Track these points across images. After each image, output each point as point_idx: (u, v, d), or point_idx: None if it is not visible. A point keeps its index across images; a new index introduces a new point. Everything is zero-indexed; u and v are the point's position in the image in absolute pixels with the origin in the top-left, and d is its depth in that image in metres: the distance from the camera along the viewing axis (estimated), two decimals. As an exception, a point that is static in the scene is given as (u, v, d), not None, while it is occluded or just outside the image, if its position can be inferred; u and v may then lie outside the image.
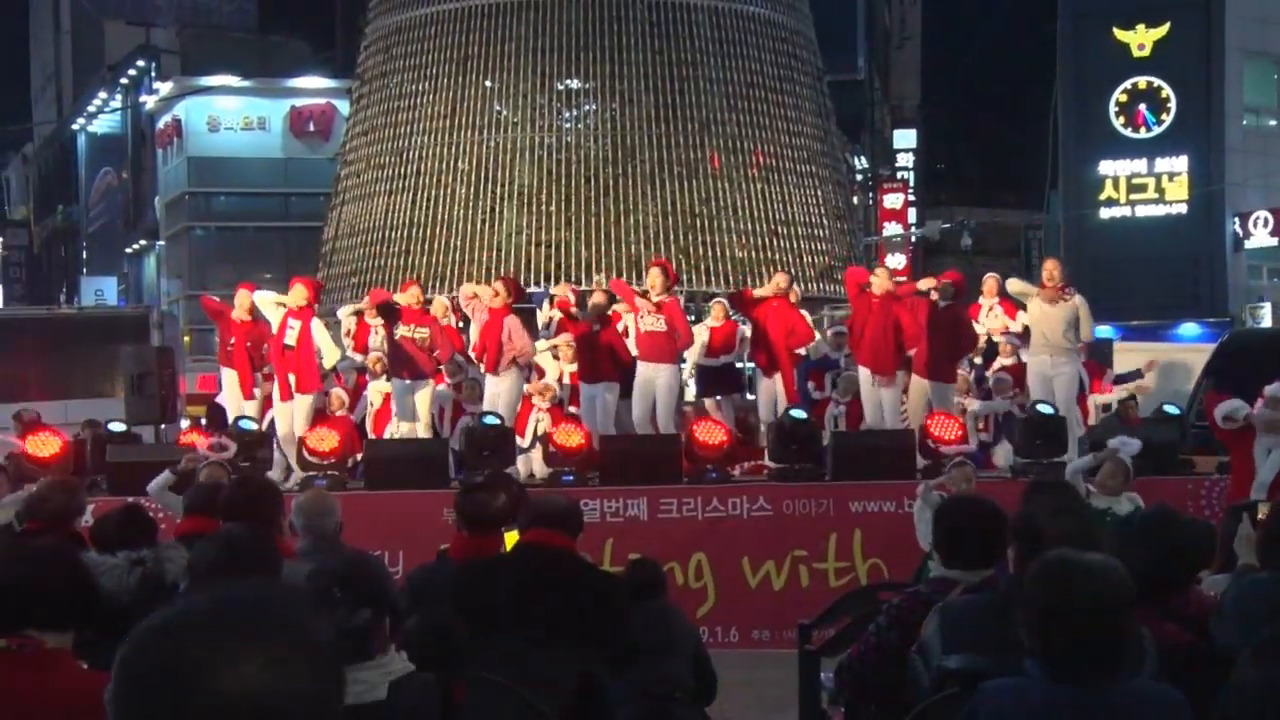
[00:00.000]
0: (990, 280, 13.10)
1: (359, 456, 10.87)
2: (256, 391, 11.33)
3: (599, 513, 9.54)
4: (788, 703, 5.93)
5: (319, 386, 11.14)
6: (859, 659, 4.14)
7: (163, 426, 12.93)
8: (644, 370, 11.09)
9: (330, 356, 11.23)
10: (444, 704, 3.31)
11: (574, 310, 12.21)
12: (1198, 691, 3.02)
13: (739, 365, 12.60)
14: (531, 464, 11.23)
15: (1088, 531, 3.63)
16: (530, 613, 4.44)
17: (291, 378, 10.67)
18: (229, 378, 11.42)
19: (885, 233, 35.00)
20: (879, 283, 11.13)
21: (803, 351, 12.25)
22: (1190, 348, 19.66)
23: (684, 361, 11.96)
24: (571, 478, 10.21)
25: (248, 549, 3.85)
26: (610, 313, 11.70)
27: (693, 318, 12.91)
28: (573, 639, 4.39)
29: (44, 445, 9.98)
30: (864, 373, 11.08)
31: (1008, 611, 3.05)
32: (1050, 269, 10.92)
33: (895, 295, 11.08)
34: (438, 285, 16.86)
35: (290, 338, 10.63)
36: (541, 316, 12.72)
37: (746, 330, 12.29)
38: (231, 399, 11.47)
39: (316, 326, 10.86)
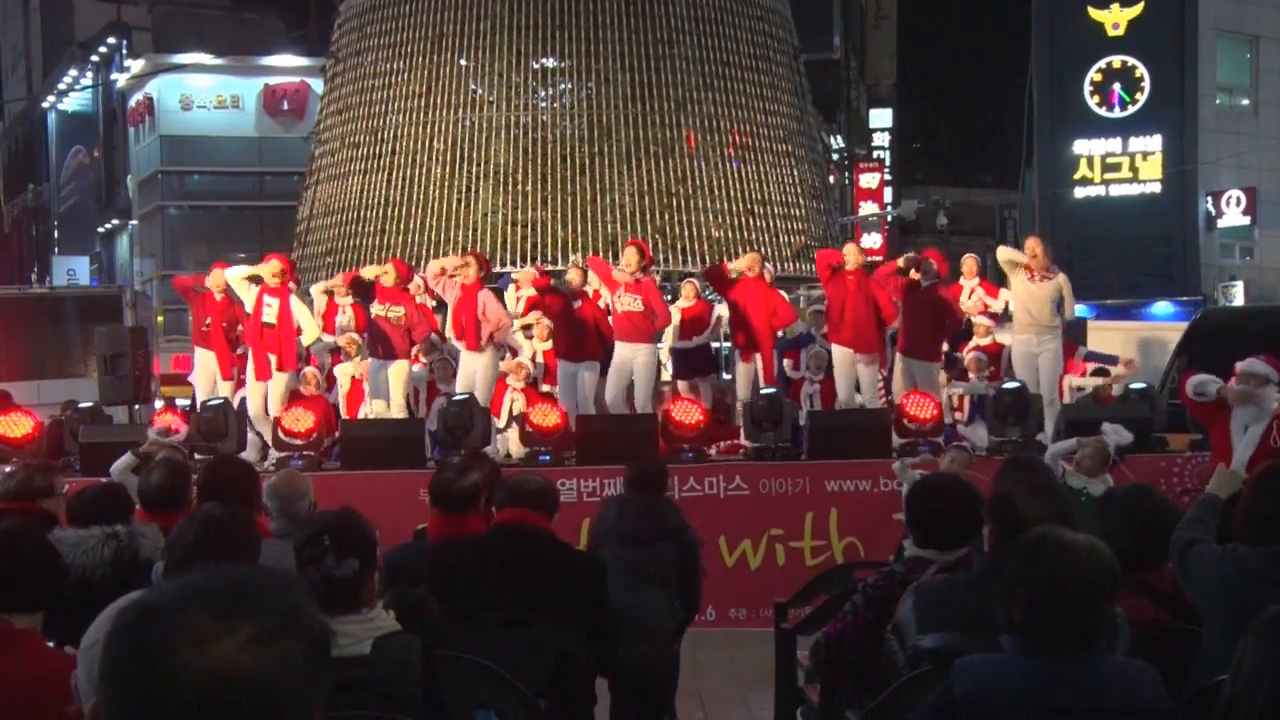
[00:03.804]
0: (970, 260, 13.01)
1: (335, 437, 10.84)
2: (234, 370, 11.27)
3: (575, 493, 9.53)
4: (764, 680, 5.95)
5: (297, 365, 11.10)
6: (835, 637, 4.14)
7: (136, 407, 12.87)
8: (621, 350, 11.05)
9: (310, 334, 11.16)
10: (426, 669, 3.30)
11: (555, 283, 12.07)
12: (1171, 667, 3.04)
13: (714, 346, 12.53)
14: (508, 444, 11.20)
15: (1064, 511, 3.63)
16: (507, 592, 4.44)
17: (272, 356, 10.61)
18: (204, 358, 11.35)
19: (861, 212, 35.04)
20: (852, 259, 11.10)
21: (781, 333, 12.21)
22: (1163, 326, 19.77)
23: (661, 342, 11.90)
24: (548, 458, 10.19)
25: (226, 529, 3.82)
26: (591, 291, 11.64)
27: (669, 297, 12.81)
28: (550, 618, 4.39)
29: (16, 426, 9.91)
30: (844, 352, 11.03)
31: (982, 591, 3.05)
32: (1034, 247, 10.75)
33: (869, 272, 11.07)
34: (414, 265, 16.76)
35: (269, 315, 10.57)
36: (509, 299, 12.63)
37: (722, 310, 12.21)
38: (205, 380, 11.40)
39: (295, 303, 10.81)
